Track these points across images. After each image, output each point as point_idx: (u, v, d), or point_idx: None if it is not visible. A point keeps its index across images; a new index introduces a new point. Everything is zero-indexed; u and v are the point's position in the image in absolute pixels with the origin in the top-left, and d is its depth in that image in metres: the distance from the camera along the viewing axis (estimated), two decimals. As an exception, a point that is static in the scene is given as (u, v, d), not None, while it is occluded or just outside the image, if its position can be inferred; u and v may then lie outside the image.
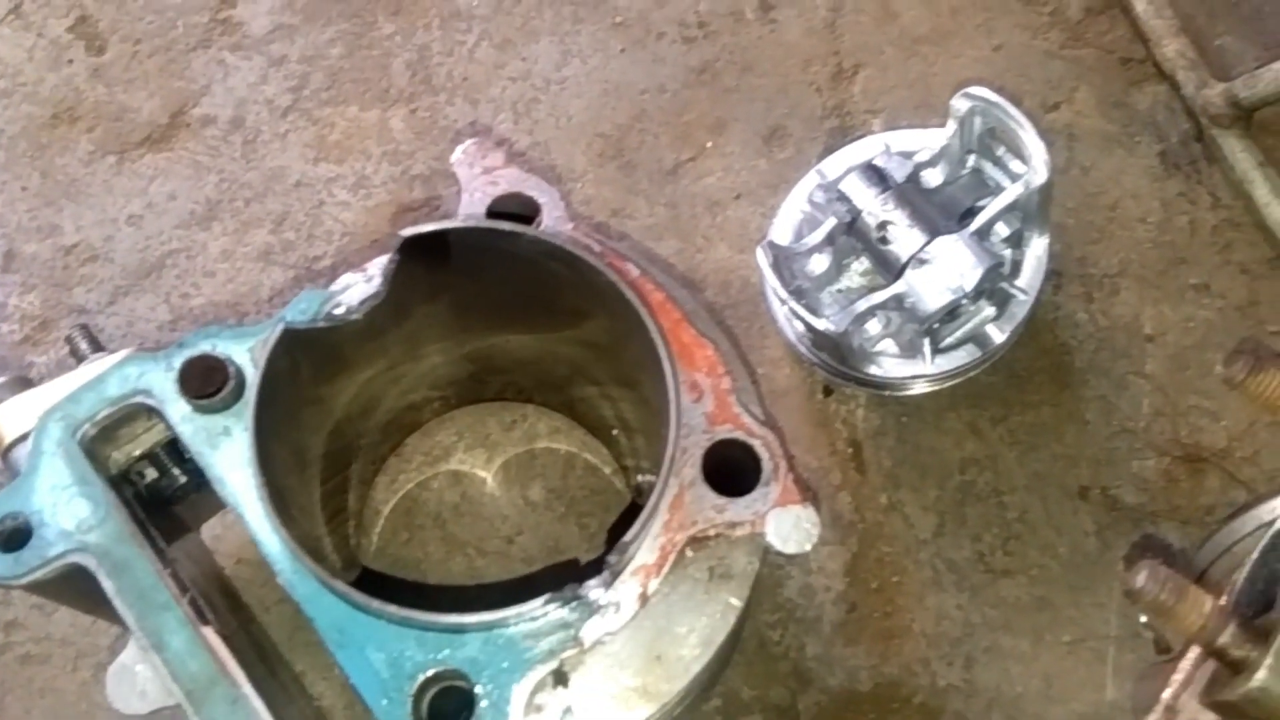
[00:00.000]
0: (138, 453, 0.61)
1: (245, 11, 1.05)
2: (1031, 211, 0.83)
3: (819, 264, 0.86)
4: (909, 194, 0.84)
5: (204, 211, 0.98)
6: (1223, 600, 0.58)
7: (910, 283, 0.81)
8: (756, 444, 0.62)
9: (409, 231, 0.61)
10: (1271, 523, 0.64)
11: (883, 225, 0.83)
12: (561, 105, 1.00)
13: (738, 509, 0.61)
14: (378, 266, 0.63)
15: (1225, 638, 0.52)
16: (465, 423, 0.90)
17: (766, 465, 0.61)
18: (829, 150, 0.93)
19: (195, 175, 0.99)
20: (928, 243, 0.81)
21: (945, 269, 0.80)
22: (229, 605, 0.71)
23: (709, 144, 0.98)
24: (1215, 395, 0.88)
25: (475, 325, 0.74)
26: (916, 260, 0.81)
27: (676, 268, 0.93)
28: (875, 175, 0.85)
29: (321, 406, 0.68)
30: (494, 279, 0.66)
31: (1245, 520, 0.71)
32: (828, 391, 0.91)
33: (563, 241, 0.61)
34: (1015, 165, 0.84)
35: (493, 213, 0.66)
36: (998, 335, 0.82)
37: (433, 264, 0.64)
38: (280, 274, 0.95)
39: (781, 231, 0.89)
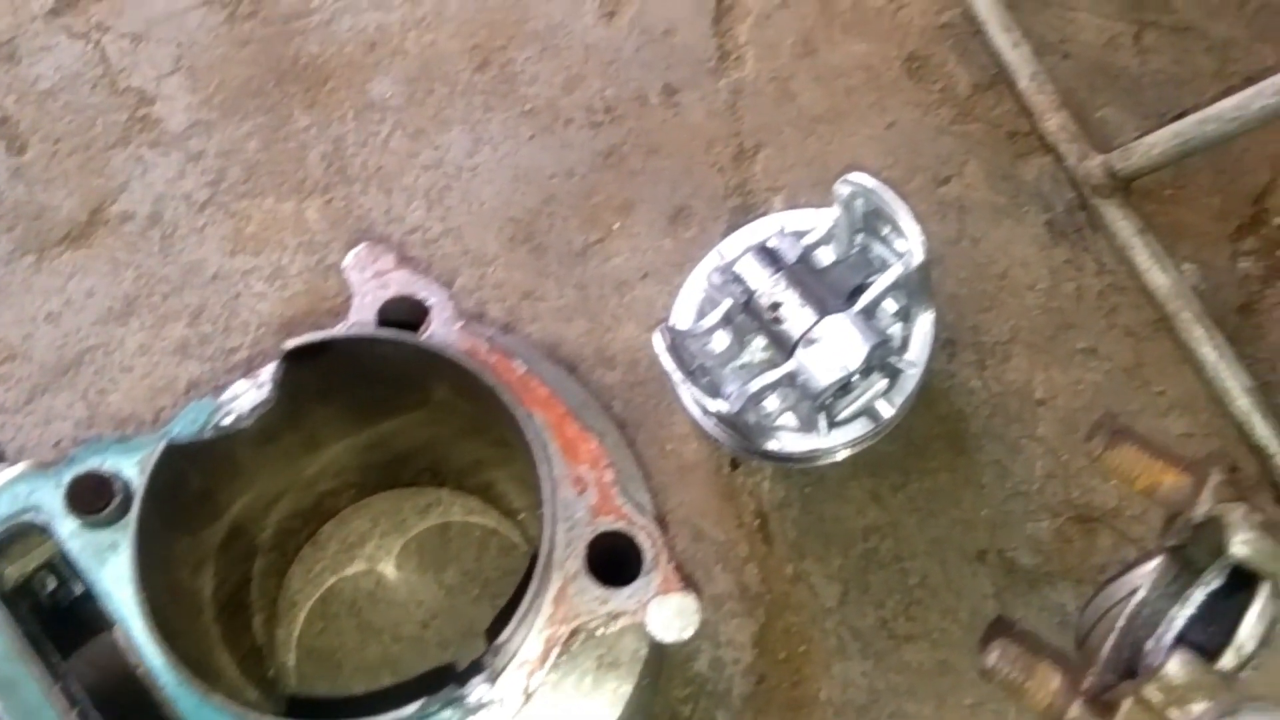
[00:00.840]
0: (33, 566, 0.63)
1: (164, 109, 1.07)
2: (915, 288, 0.86)
3: (720, 342, 0.89)
4: (800, 274, 0.88)
5: (122, 307, 0.99)
6: (1091, 673, 0.61)
7: (801, 361, 0.84)
8: (638, 534, 0.64)
9: (292, 343, 0.63)
10: (1135, 591, 0.68)
11: (775, 306, 0.86)
12: (473, 192, 1.03)
13: (620, 599, 0.63)
14: (269, 373, 0.65)
15: (1073, 712, 0.54)
16: (380, 508, 0.92)
17: (647, 555, 0.64)
18: (732, 228, 0.97)
19: (113, 271, 1.01)
20: (816, 322, 0.84)
21: (834, 347, 0.83)
22: (135, 705, 0.72)
23: (616, 225, 1.02)
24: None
25: (375, 419, 0.76)
26: (806, 339, 0.84)
27: (581, 350, 0.95)
28: (768, 256, 0.89)
29: (217, 510, 0.70)
30: (384, 380, 0.69)
31: (1120, 585, 0.74)
32: (735, 464, 0.93)
33: (443, 349, 0.64)
34: (900, 243, 0.87)
35: (384, 315, 0.69)
36: (887, 409, 0.85)
37: (322, 368, 0.66)
38: (197, 367, 0.97)
39: (684, 312, 0.92)
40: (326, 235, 1.01)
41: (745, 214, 1.01)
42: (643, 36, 1.09)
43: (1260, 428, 0.90)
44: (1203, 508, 0.62)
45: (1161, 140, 0.91)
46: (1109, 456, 0.66)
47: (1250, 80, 1.05)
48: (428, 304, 0.68)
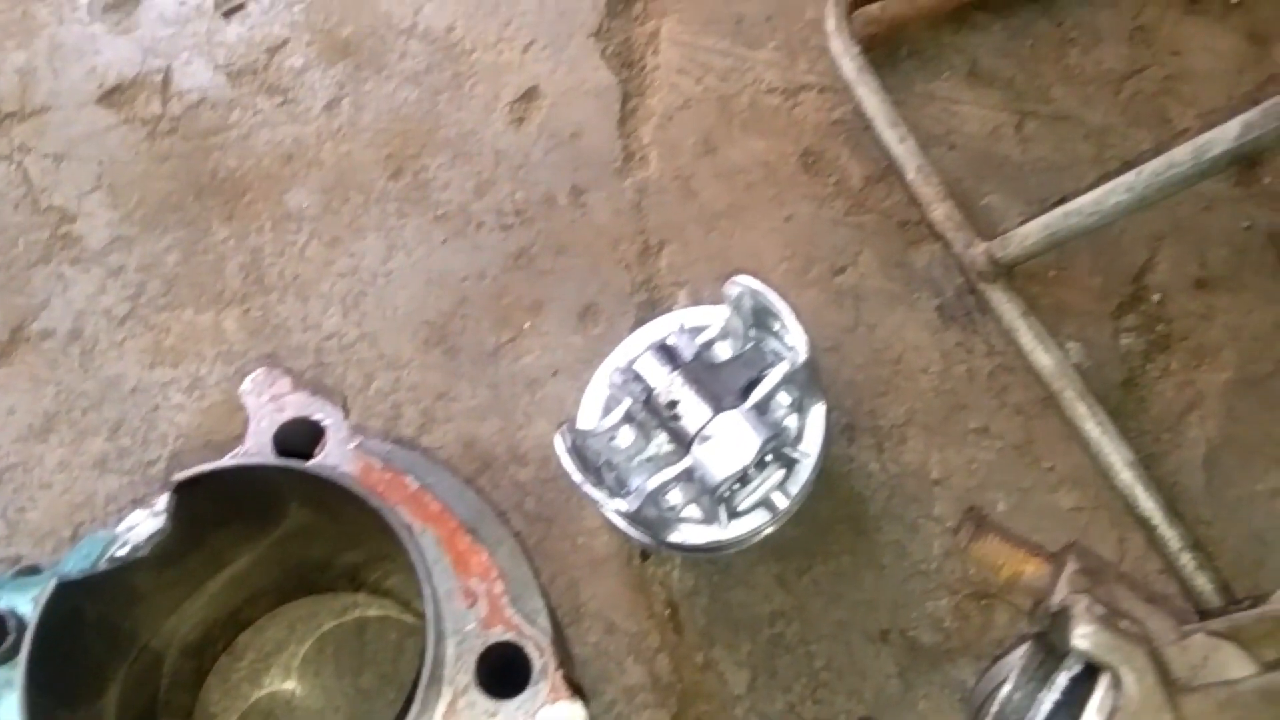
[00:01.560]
0: (-70, 704, 0.64)
1: (84, 225, 1.10)
2: (806, 382, 0.90)
3: (625, 438, 0.92)
4: (697, 371, 0.91)
5: (41, 424, 1.01)
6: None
7: (698, 457, 0.87)
8: (526, 645, 0.66)
9: (180, 476, 0.66)
10: (1005, 680, 0.71)
11: (672, 403, 0.90)
12: (388, 297, 1.07)
13: (509, 711, 0.65)
14: (164, 501, 0.68)
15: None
16: (297, 614, 0.93)
17: (535, 665, 0.66)
18: (638, 323, 1.00)
19: (34, 389, 1.03)
20: (711, 418, 0.88)
21: (728, 443, 0.87)
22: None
23: (527, 325, 1.05)
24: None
25: (277, 534, 0.78)
26: (702, 436, 0.88)
27: (493, 449, 0.98)
28: (667, 354, 0.93)
29: (118, 637, 0.71)
30: (279, 502, 0.71)
31: (1001, 667, 0.77)
32: (645, 556, 0.96)
33: (331, 476, 0.67)
34: (790, 339, 0.92)
35: (280, 439, 0.71)
36: (783, 500, 0.88)
37: (215, 495, 0.68)
38: (116, 481, 0.98)
39: (589, 410, 0.95)
40: (244, 345, 1.04)
41: (651, 309, 1.05)
42: (551, 140, 1.14)
43: (1143, 500, 0.94)
44: (1058, 596, 0.66)
45: (1034, 231, 0.96)
46: (974, 548, 0.70)
47: (1127, 164, 1.11)
48: (323, 425, 0.71)
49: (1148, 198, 0.83)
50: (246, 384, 0.72)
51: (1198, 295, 1.06)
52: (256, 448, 0.69)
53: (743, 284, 0.89)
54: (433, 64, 1.18)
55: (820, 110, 1.15)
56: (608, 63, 1.18)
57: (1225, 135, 0.76)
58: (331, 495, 0.66)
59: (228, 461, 0.67)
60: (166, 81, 1.16)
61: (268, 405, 0.72)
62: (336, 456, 0.70)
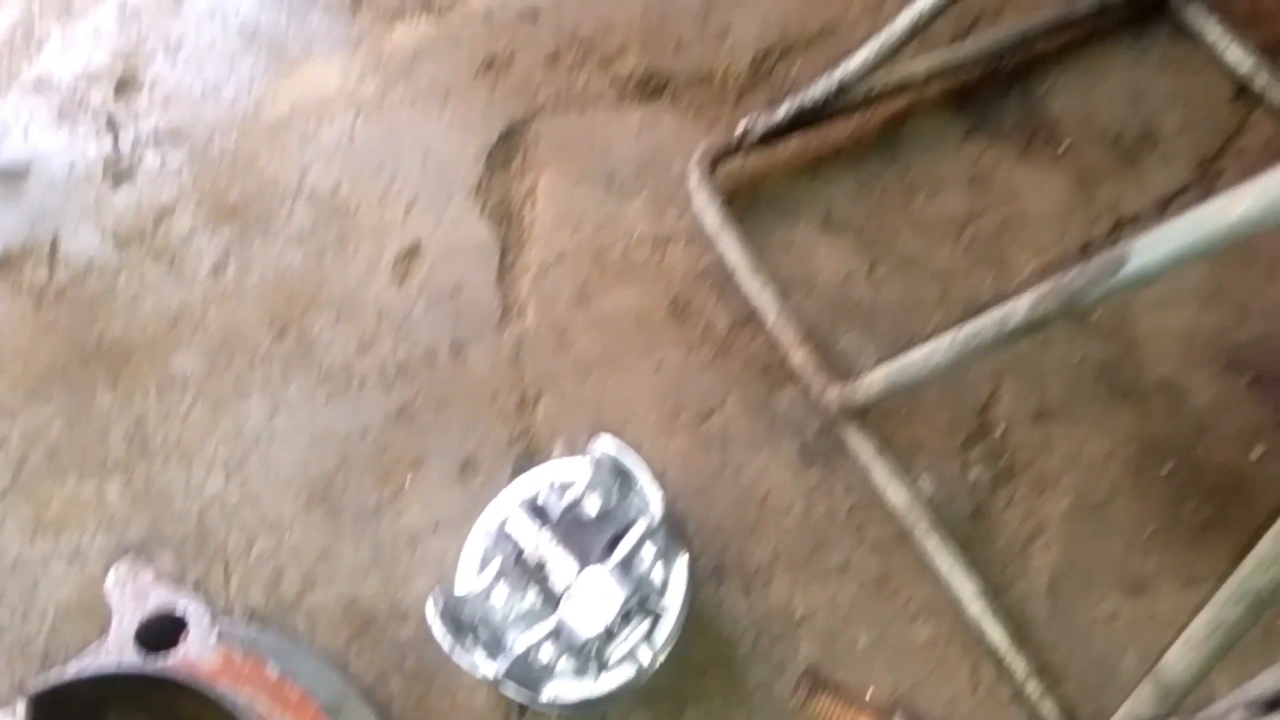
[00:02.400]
0: None
1: (-33, 397, 1.12)
2: (667, 535, 0.95)
3: (499, 596, 0.96)
4: (565, 528, 0.96)
5: (-83, 604, 1.01)
6: None
7: (564, 615, 0.91)
8: (382, 829, 0.69)
9: (32, 688, 0.67)
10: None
11: (541, 562, 0.94)
12: (271, 458, 1.10)
13: None
14: (22, 709, 0.69)
15: None
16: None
17: None
18: (517, 474, 1.05)
19: (-90, 567, 1.03)
20: (578, 575, 0.92)
21: (593, 599, 0.91)
22: None
23: (408, 480, 1.09)
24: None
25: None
26: (569, 593, 0.92)
27: (375, 607, 1.01)
28: (536, 512, 0.97)
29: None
30: (139, 697, 0.73)
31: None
32: (522, 711, 0.99)
33: (184, 676, 0.69)
34: (647, 498, 0.97)
35: (142, 633, 0.73)
36: (648, 654, 0.92)
37: (71, 701, 0.70)
38: (-8, 659, 0.99)
39: (468, 566, 0.98)
40: (126, 513, 1.06)
41: (529, 459, 1.10)
42: (432, 296, 1.20)
43: (991, 630, 1.00)
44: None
45: (876, 380, 1.03)
46: (809, 706, 0.74)
47: (968, 303, 1.21)
48: (185, 618, 0.74)
49: (963, 358, 0.90)
50: (110, 578, 0.75)
51: (1038, 426, 1.14)
52: (118, 645, 0.71)
53: (603, 446, 0.94)
54: (318, 224, 1.23)
55: (688, 259, 1.23)
56: (487, 218, 1.25)
57: (1020, 308, 0.83)
58: (190, 693, 0.68)
59: (79, 672, 0.69)
60: (54, 250, 1.20)
61: (130, 601, 0.74)
62: (198, 649, 0.72)
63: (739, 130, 1.24)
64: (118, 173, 1.25)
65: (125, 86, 1.31)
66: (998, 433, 1.14)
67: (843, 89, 1.19)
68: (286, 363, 1.14)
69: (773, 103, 1.28)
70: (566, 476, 1.00)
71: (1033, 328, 0.82)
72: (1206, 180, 1.29)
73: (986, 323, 0.86)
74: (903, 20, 1.12)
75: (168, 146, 1.27)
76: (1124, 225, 1.27)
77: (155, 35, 1.34)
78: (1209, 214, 0.66)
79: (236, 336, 1.16)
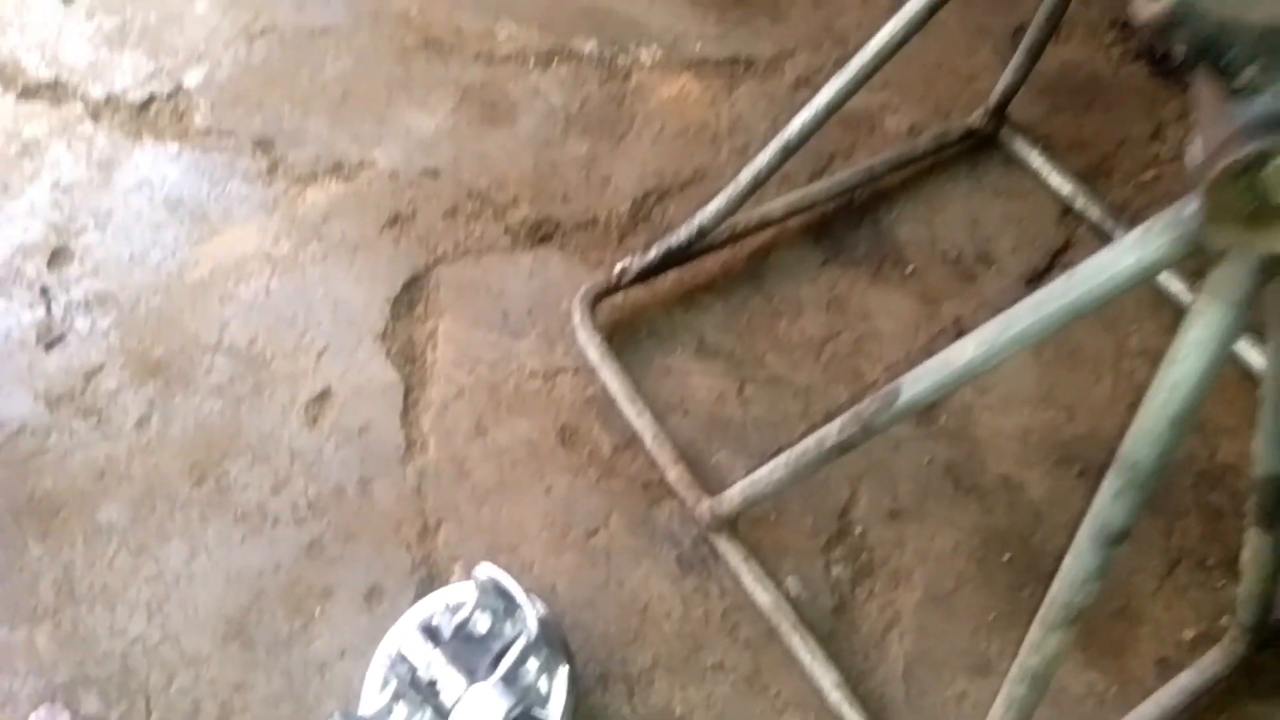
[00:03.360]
0: None
1: (-95, 556, 1.21)
2: (550, 648, 1.05)
3: (398, 714, 1.04)
4: (455, 647, 1.05)
5: None
6: None
7: (454, 730, 1.00)
8: None
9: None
10: None
11: (433, 679, 1.03)
12: (190, 598, 1.18)
13: None
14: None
15: None
16: None
17: None
18: (419, 598, 1.14)
19: None
20: (466, 690, 1.02)
21: (479, 712, 1.00)
22: None
23: (318, 611, 1.18)
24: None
25: None
26: (457, 709, 1.01)
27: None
28: (429, 633, 1.07)
29: None
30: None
31: None
32: (425, 821, 1.07)
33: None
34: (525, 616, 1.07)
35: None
36: (530, 761, 1.01)
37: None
38: (-76, 806, 1.05)
39: (370, 688, 1.07)
40: (54, 657, 1.14)
41: (430, 584, 1.20)
42: (342, 436, 1.31)
43: (850, 716, 1.10)
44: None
45: (736, 494, 1.15)
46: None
47: (829, 416, 1.33)
48: (97, 755, 0.82)
49: (799, 473, 1.03)
50: (29, 723, 0.83)
51: (892, 525, 1.26)
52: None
53: (485, 571, 1.05)
54: (236, 375, 1.34)
55: (575, 390, 1.35)
56: (393, 361, 1.37)
57: (832, 430, 0.96)
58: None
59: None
60: (-11, 413, 1.30)
61: (48, 742, 0.82)
62: (108, 782, 0.80)
63: (616, 271, 1.39)
64: (50, 339, 1.36)
65: (58, 257, 1.43)
66: (856, 533, 1.26)
67: (703, 232, 1.35)
68: (205, 507, 1.24)
69: (649, 243, 1.44)
70: (458, 598, 1.10)
71: (844, 448, 0.95)
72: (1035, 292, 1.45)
73: (809, 444, 0.99)
74: (745, 174, 1.28)
75: (97, 311, 1.39)
76: (964, 336, 1.41)
77: (86, 209, 1.47)
78: (952, 355, 0.80)
79: (159, 485, 1.25)
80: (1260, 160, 0.52)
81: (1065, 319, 0.76)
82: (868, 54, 1.14)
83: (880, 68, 1.17)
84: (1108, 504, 0.70)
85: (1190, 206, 0.63)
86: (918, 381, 0.83)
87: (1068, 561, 0.74)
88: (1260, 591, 0.94)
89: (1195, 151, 0.57)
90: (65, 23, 1.69)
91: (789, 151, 1.24)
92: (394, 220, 1.49)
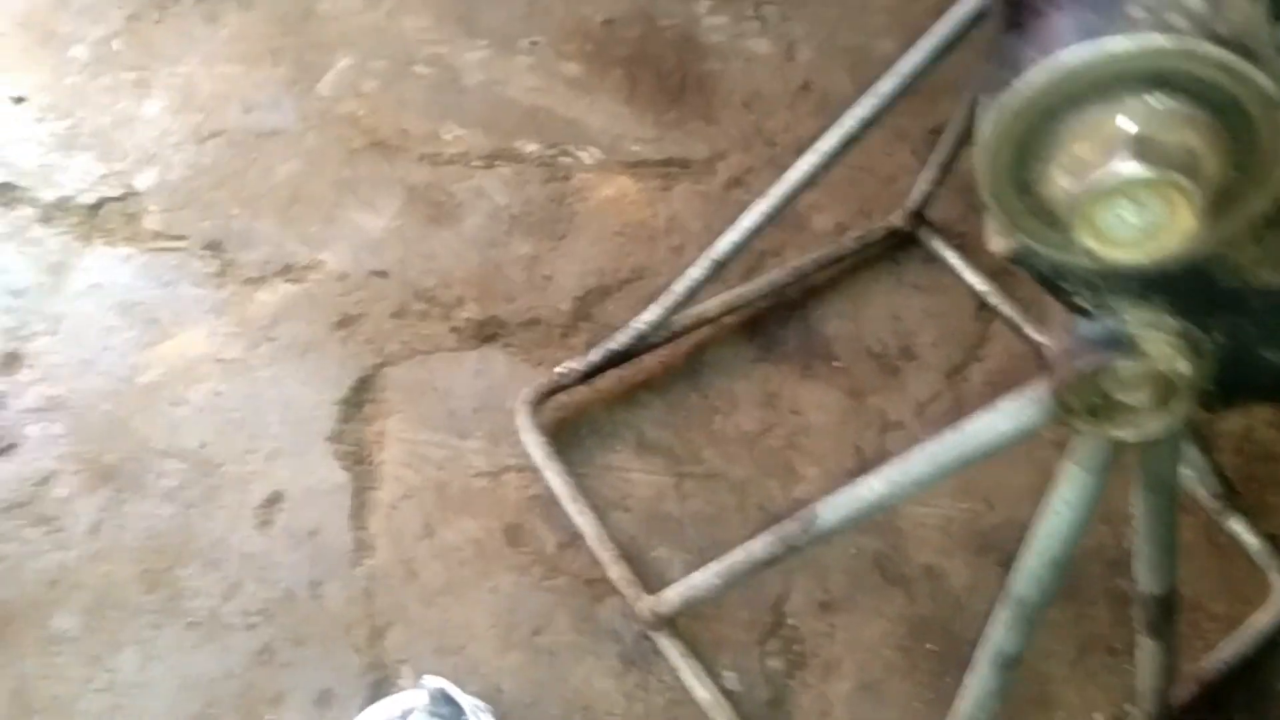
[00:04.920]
0: None
1: None
2: (495, 753, 1.10)
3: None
4: (405, 755, 1.10)
5: None
6: None
7: (404, 837, 1.04)
8: None
9: None
10: None
11: (382, 791, 1.08)
12: (142, 706, 1.21)
13: None
14: None
15: None
16: None
17: None
18: (369, 701, 1.18)
19: None
20: (414, 800, 1.06)
21: (429, 821, 1.05)
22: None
23: (269, 717, 1.21)
24: None
25: None
26: (406, 818, 1.05)
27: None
28: (378, 743, 1.11)
29: None
30: None
31: None
32: None
33: None
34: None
35: None
36: None
37: None
38: None
39: (321, 796, 1.11)
40: (5, 771, 1.16)
41: (380, 687, 1.23)
42: (292, 539, 1.34)
43: (784, 809, 1.16)
44: None
45: (676, 594, 1.21)
46: None
47: (763, 510, 1.41)
48: None
49: (731, 582, 1.09)
50: None
51: (824, 616, 1.33)
52: None
53: (432, 681, 1.09)
54: (187, 480, 1.38)
55: (520, 488, 1.40)
56: (342, 462, 1.41)
57: (758, 547, 1.03)
58: None
59: None
60: (-61, 524, 1.31)
61: None
62: None
63: (559, 373, 1.45)
64: (2, 446, 1.38)
65: (9, 364, 1.45)
66: (790, 624, 1.32)
67: (641, 337, 1.42)
68: (157, 614, 1.27)
69: (590, 342, 1.51)
70: (407, 705, 1.14)
71: (770, 562, 1.02)
72: (955, 385, 1.54)
73: (739, 556, 1.05)
74: (679, 286, 1.36)
75: (49, 417, 1.41)
76: (889, 429, 1.50)
77: (38, 315, 1.50)
78: (862, 490, 0.88)
79: (111, 593, 1.28)
80: (1097, 372, 0.60)
81: (958, 468, 0.84)
82: (788, 182, 1.23)
83: (801, 192, 1.25)
84: (1001, 633, 0.77)
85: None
86: (833, 510, 0.90)
87: (970, 681, 0.81)
88: (1156, 686, 1.02)
89: (1051, 339, 0.66)
90: (15, 125, 1.73)
91: (720, 266, 1.32)
92: (343, 321, 1.54)
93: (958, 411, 1.52)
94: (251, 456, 1.40)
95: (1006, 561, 1.38)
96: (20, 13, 1.87)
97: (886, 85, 1.15)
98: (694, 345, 1.55)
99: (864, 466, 1.45)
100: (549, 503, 1.38)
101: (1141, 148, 0.46)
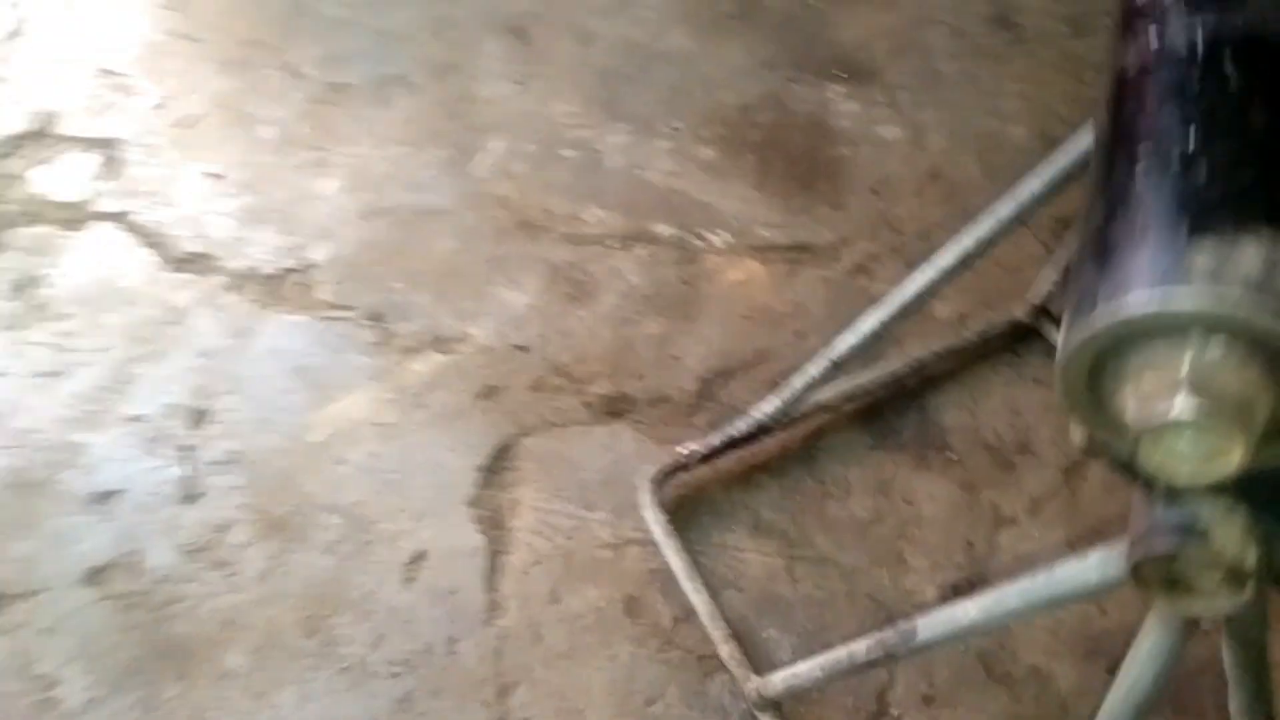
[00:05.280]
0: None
1: (65, 690, 1.40)
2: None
3: None
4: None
5: None
6: None
7: None
8: None
9: None
10: None
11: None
12: (299, 742, 1.36)
13: None
14: None
15: None
16: None
17: None
18: (496, 756, 1.30)
19: (12, 840, 1.29)
20: None
21: None
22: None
23: (408, 761, 1.35)
24: None
25: None
26: None
27: None
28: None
29: None
30: None
31: None
32: None
33: None
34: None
35: None
36: None
37: None
38: None
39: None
40: (184, 793, 1.32)
41: (506, 743, 1.35)
42: (433, 596, 1.48)
43: None
44: None
45: (781, 680, 1.28)
46: None
47: (871, 598, 1.47)
48: None
49: (834, 677, 1.16)
50: None
51: (926, 710, 1.37)
52: None
53: (553, 747, 1.20)
54: (344, 535, 1.53)
55: (640, 561, 1.50)
56: (479, 526, 1.54)
57: (861, 649, 1.09)
58: None
59: None
60: (137, 563, 1.50)
61: None
62: None
63: (682, 455, 1.54)
64: (189, 495, 1.57)
65: (199, 419, 1.65)
66: (894, 715, 1.37)
67: (762, 426, 1.50)
68: (315, 658, 1.42)
69: (713, 421, 1.60)
70: (531, 764, 1.25)
71: (870, 665, 1.08)
72: (1072, 483, 1.56)
73: (842, 655, 1.12)
74: (797, 381, 1.43)
75: (231, 470, 1.59)
76: (1002, 524, 1.53)
77: (224, 375, 1.70)
78: (959, 613, 0.93)
79: (276, 635, 1.44)
80: (1171, 555, 0.65)
81: (1044, 609, 0.89)
82: (908, 289, 1.29)
83: (922, 301, 1.31)
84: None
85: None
86: (930, 629, 0.96)
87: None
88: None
89: (1133, 512, 0.71)
90: (211, 199, 1.95)
91: (837, 366, 1.39)
92: (486, 392, 1.68)
93: (1074, 511, 1.54)
94: (401, 515, 1.55)
95: (1114, 667, 1.41)
96: (217, 94, 2.10)
97: (1005, 209, 1.20)
98: (811, 431, 1.62)
99: (974, 561, 1.50)
100: (667, 578, 1.47)
101: (1199, 388, 0.52)
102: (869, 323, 1.33)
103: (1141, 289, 0.54)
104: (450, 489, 1.58)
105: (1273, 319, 0.51)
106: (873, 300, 1.60)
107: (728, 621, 1.41)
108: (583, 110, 2.06)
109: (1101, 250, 0.59)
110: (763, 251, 1.85)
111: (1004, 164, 1.94)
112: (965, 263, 1.23)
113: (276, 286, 1.83)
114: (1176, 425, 0.53)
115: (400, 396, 1.69)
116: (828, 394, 1.61)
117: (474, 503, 1.57)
